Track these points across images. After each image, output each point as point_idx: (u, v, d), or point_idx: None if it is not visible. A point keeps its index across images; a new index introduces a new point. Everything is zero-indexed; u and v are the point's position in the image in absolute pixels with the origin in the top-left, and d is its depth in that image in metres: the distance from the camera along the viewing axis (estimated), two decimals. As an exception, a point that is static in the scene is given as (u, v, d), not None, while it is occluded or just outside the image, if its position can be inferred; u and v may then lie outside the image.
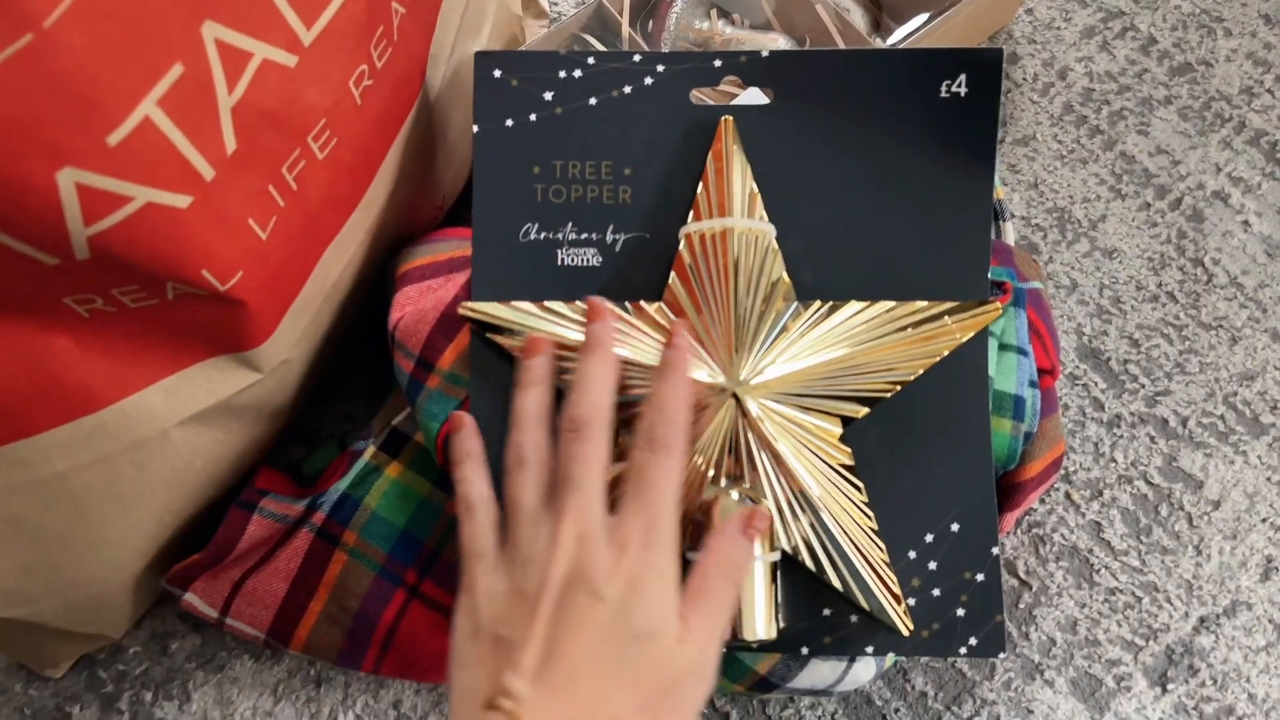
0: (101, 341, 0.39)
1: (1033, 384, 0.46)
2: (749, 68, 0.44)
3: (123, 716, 0.51)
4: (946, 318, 0.43)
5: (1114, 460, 0.55)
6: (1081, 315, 0.58)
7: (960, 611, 0.43)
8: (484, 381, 0.44)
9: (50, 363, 0.38)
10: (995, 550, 0.43)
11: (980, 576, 0.43)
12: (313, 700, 0.51)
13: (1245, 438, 0.55)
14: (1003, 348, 0.46)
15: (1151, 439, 0.55)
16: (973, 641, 0.43)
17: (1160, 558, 0.53)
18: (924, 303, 0.44)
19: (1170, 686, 0.51)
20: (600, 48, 0.57)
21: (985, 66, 0.43)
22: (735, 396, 0.42)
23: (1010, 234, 0.54)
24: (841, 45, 0.57)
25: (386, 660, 0.46)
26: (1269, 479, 0.54)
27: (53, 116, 0.30)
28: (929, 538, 0.43)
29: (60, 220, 0.32)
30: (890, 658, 0.48)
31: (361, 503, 0.46)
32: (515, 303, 0.44)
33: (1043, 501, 0.54)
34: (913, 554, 0.43)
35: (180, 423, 0.43)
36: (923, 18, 0.58)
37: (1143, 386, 0.56)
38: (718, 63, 0.44)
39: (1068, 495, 0.54)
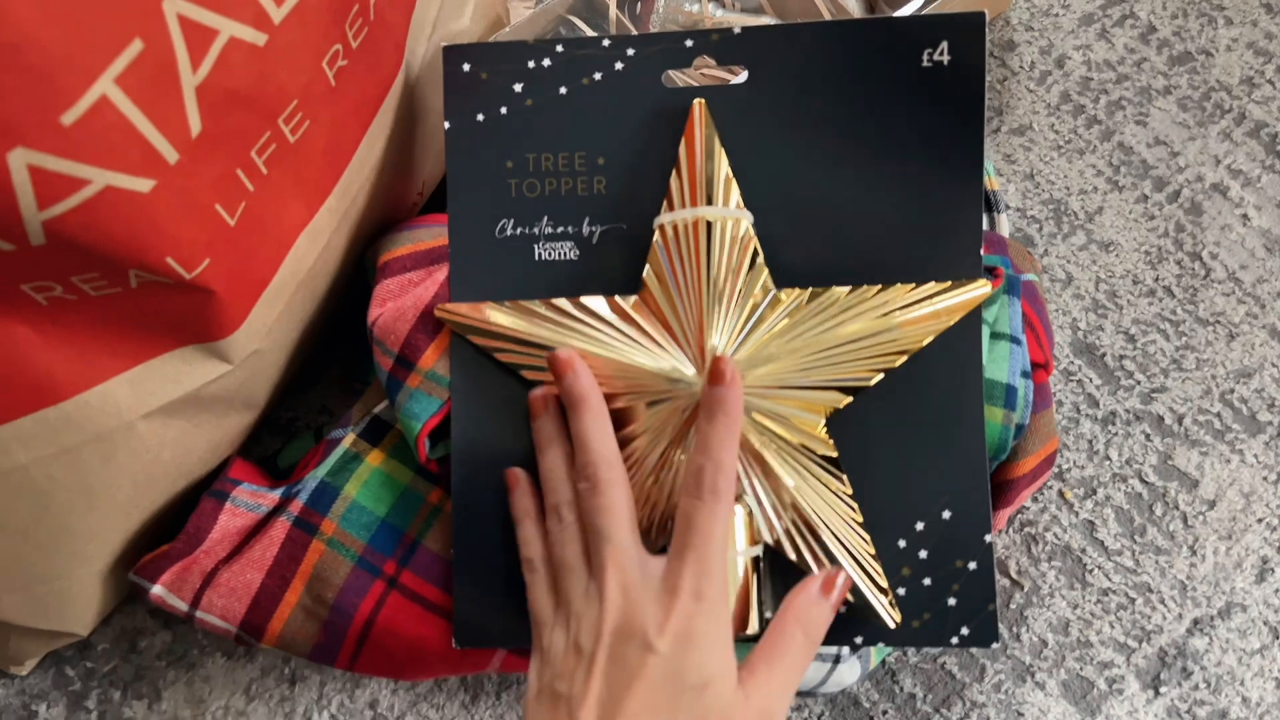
0: (63, 331, 0.37)
1: (1025, 374, 0.45)
2: (721, 46, 0.43)
3: (91, 715, 0.49)
4: (933, 300, 0.42)
5: (1108, 458, 0.54)
6: (1077, 309, 0.57)
7: (952, 601, 0.42)
8: (466, 382, 0.43)
9: (9, 352, 0.37)
10: (988, 538, 0.42)
11: (972, 565, 0.42)
12: (286, 699, 0.49)
13: (1242, 436, 0.54)
14: (995, 336, 0.45)
15: (1147, 436, 0.54)
16: (964, 631, 0.42)
17: (1154, 558, 0.52)
18: (908, 286, 0.42)
19: (1163, 689, 0.50)
20: (589, 31, 0.55)
21: (968, 31, 0.42)
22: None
23: (1005, 226, 0.53)
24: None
25: (362, 655, 0.45)
26: (1265, 478, 0.53)
27: (3, 93, 0.28)
28: (920, 526, 0.42)
29: (13, 204, 0.30)
30: (875, 658, 0.47)
31: (341, 491, 0.45)
32: (490, 306, 0.43)
33: (1035, 500, 0.53)
34: (903, 543, 0.42)
35: (147, 414, 0.41)
36: (918, 2, 0.56)
37: (1138, 383, 0.55)
38: (689, 42, 0.43)
39: (1061, 493, 0.53)
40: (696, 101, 0.43)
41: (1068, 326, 0.56)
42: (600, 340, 0.42)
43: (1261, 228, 0.58)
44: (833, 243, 0.43)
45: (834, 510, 0.41)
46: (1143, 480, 0.53)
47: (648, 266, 0.43)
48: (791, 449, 0.42)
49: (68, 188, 0.31)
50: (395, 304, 0.45)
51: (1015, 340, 0.46)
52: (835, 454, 0.42)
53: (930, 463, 0.42)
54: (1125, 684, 0.50)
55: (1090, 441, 0.54)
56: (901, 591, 0.42)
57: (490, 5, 0.54)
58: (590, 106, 0.43)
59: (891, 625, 0.41)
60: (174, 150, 0.34)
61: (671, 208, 0.43)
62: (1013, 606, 0.51)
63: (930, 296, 0.42)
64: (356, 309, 0.49)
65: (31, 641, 0.48)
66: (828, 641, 0.42)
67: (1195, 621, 0.51)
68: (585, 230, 0.44)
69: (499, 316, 0.43)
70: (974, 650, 0.50)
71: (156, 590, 0.45)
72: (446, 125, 0.44)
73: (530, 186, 0.44)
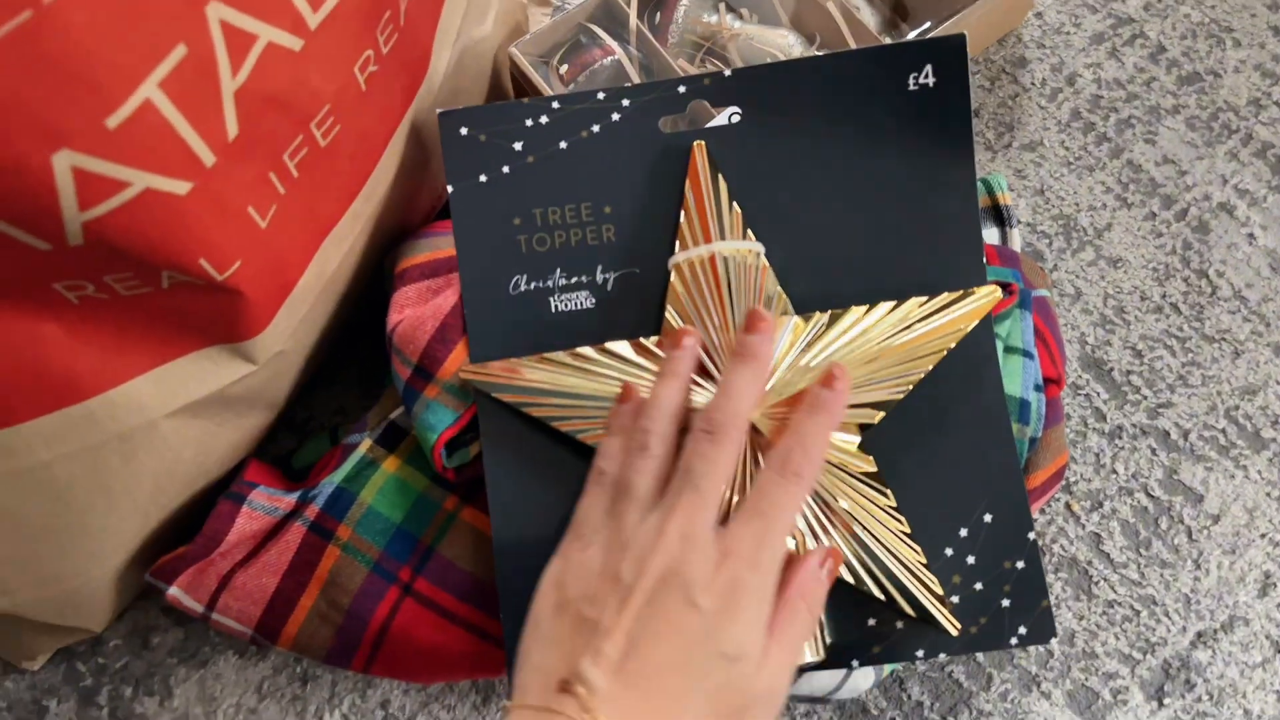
0: (91, 329, 0.37)
1: (1038, 388, 0.46)
2: (714, 89, 0.44)
3: (101, 711, 0.50)
4: (948, 310, 0.43)
5: (1115, 472, 0.54)
6: (1085, 324, 0.57)
7: (1005, 602, 0.42)
8: (498, 441, 0.43)
9: (37, 350, 0.37)
10: (1032, 535, 0.42)
11: (1020, 564, 0.42)
12: (298, 699, 0.50)
13: (1246, 452, 0.55)
14: (1008, 350, 0.46)
15: (1153, 451, 0.55)
16: (1022, 630, 0.42)
17: (1159, 571, 0.53)
18: (922, 299, 0.43)
19: (1166, 701, 0.50)
20: (608, 39, 0.56)
21: (949, 53, 0.43)
22: (750, 424, 0.42)
23: (1017, 240, 0.54)
24: (852, 43, 0.57)
25: (377, 660, 0.45)
26: (1269, 494, 0.54)
27: (50, 97, 0.29)
28: (963, 532, 0.42)
29: (54, 204, 0.31)
30: (888, 666, 0.47)
31: (357, 497, 0.45)
32: (515, 362, 0.43)
33: (1043, 512, 0.54)
34: (949, 551, 0.42)
35: (170, 414, 0.41)
36: (934, 18, 0.57)
37: (1145, 398, 0.56)
38: (682, 89, 0.44)
39: (1068, 506, 0.54)
40: (696, 144, 0.44)
41: (1076, 341, 0.57)
42: (624, 379, 0.42)
43: (1267, 247, 0.59)
44: (840, 268, 0.44)
45: (883, 525, 0.42)
46: (1148, 494, 0.54)
47: (669, 306, 0.43)
48: (833, 469, 0.42)
49: (109, 190, 0.31)
50: (414, 312, 0.45)
51: (1028, 354, 0.47)
52: (875, 469, 0.42)
53: (963, 468, 0.43)
54: (1129, 695, 0.50)
55: (1097, 455, 0.55)
56: (955, 599, 0.42)
57: (511, 12, 0.55)
58: (591, 158, 0.44)
59: (953, 633, 0.41)
60: (211, 153, 0.34)
61: (685, 247, 0.43)
62: (1019, 617, 0.52)
63: (944, 307, 0.43)
64: (374, 311, 0.49)
65: (45, 637, 0.48)
66: (891, 660, 0.42)
67: (1199, 634, 0.52)
68: (599, 278, 0.44)
69: (525, 371, 0.43)
70: (980, 659, 0.51)
71: (173, 592, 0.46)
72: (450, 189, 0.44)
73: (540, 241, 0.44)
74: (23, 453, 0.39)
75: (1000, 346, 0.46)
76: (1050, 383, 0.48)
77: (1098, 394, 0.56)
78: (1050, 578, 0.52)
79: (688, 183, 0.44)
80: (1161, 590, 0.52)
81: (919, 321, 0.43)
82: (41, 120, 0.29)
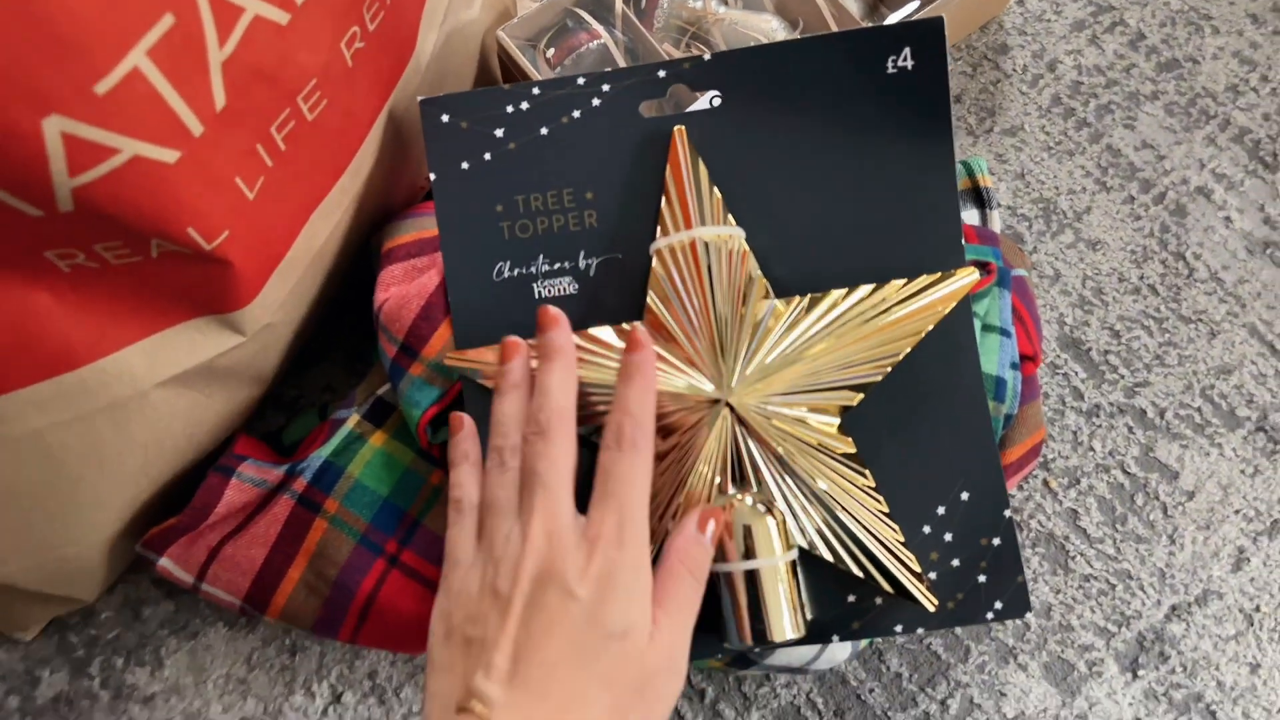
0: (82, 298, 0.38)
1: (1014, 366, 0.46)
2: (693, 73, 0.44)
3: (93, 681, 0.50)
4: (927, 292, 0.44)
5: (1092, 449, 0.55)
6: (1064, 305, 0.58)
7: (982, 578, 0.43)
8: (480, 424, 0.44)
9: (29, 318, 0.37)
10: (1007, 513, 0.43)
11: (996, 541, 0.43)
12: (287, 669, 0.50)
13: (1221, 430, 0.56)
14: (986, 328, 0.46)
15: (1129, 429, 0.56)
16: (998, 605, 0.43)
17: (1135, 546, 0.53)
18: (902, 281, 0.44)
19: (1141, 673, 0.51)
20: (594, 23, 0.57)
21: (927, 36, 0.44)
22: (729, 406, 0.42)
23: (997, 222, 0.55)
24: (834, 28, 0.57)
25: (364, 630, 0.46)
26: (1243, 471, 0.55)
27: (41, 62, 0.29)
28: (940, 510, 0.43)
29: (45, 170, 0.32)
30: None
31: (345, 470, 0.46)
32: (495, 347, 0.44)
33: (1021, 488, 0.54)
34: (927, 529, 0.43)
35: (160, 384, 0.42)
36: (915, 3, 0.58)
37: (1122, 377, 0.57)
38: (662, 73, 0.44)
39: (1045, 483, 0.55)
40: (676, 129, 0.44)
41: (1055, 321, 0.58)
42: (613, 369, 0.43)
43: (1243, 230, 0.60)
44: (821, 251, 0.44)
45: (861, 505, 0.43)
46: (1125, 471, 0.55)
47: (650, 292, 0.44)
48: (812, 450, 0.43)
49: (98, 155, 0.32)
50: (400, 290, 0.46)
51: (1005, 333, 0.48)
52: (854, 450, 0.43)
53: (940, 448, 0.44)
54: (1105, 667, 0.51)
55: (1075, 433, 0.56)
56: (933, 575, 0.43)
57: (499, -4, 0.56)
58: (573, 143, 0.45)
59: (931, 609, 0.42)
60: (199, 123, 0.35)
61: (666, 233, 0.44)
62: (997, 591, 0.52)
63: (924, 289, 0.44)
64: (360, 290, 0.50)
65: (37, 607, 0.49)
66: (871, 635, 0.43)
67: (1173, 608, 0.52)
68: (582, 264, 0.45)
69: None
70: (958, 631, 0.52)
71: (163, 562, 0.46)
72: (432, 177, 0.45)
73: (522, 227, 0.45)
74: (15, 420, 0.39)
75: (978, 325, 0.47)
76: (1027, 360, 0.49)
77: (1076, 373, 0.57)
78: (1028, 552, 0.53)
79: (668, 168, 0.44)
80: (1137, 565, 0.53)
81: (898, 304, 0.44)
82: (32, 85, 0.30)
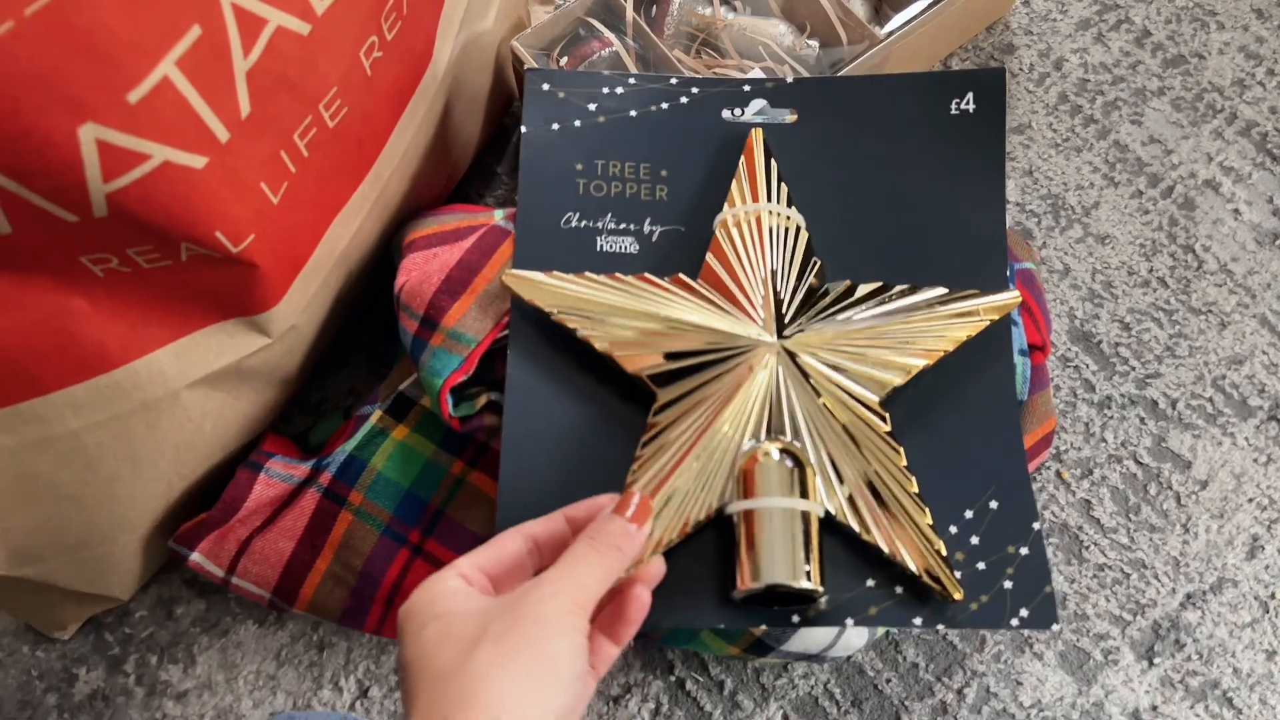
0: (116, 301, 0.40)
1: (1022, 352, 0.47)
2: (775, 92, 0.49)
3: (128, 679, 0.52)
4: (973, 301, 0.45)
5: (1104, 440, 0.56)
6: (1074, 299, 0.59)
7: (1008, 584, 0.43)
8: (522, 346, 0.45)
9: (66, 322, 0.39)
10: (1037, 525, 0.43)
11: (1025, 550, 0.43)
12: (315, 664, 0.52)
13: (1233, 420, 0.56)
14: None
15: (1141, 420, 0.56)
16: (1024, 613, 0.42)
17: (1148, 535, 0.54)
18: (949, 290, 0.46)
19: (1157, 660, 0.52)
20: (606, 31, 0.58)
21: (990, 84, 0.48)
22: (785, 351, 0.44)
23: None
24: (841, 32, 0.59)
25: (389, 620, 0.47)
26: (1255, 460, 0.55)
27: (76, 72, 0.31)
28: (969, 514, 0.43)
29: (80, 176, 0.33)
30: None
31: (368, 464, 0.47)
32: (555, 272, 0.45)
33: (1034, 479, 0.55)
34: (954, 529, 0.43)
35: (190, 385, 0.44)
36: (921, 5, 0.59)
37: (1133, 369, 0.57)
38: (747, 87, 0.49)
39: (1058, 474, 0.55)
40: (755, 129, 0.48)
41: (1065, 315, 0.59)
42: (664, 301, 0.45)
43: (1252, 222, 0.60)
44: (874, 263, 0.47)
45: (895, 480, 0.43)
46: (1137, 461, 0.55)
47: (710, 254, 0.46)
48: (856, 420, 0.43)
49: (130, 162, 0.34)
50: (421, 270, 0.47)
51: (1012, 320, 0.49)
52: (890, 429, 0.43)
53: (974, 456, 0.44)
54: (1120, 655, 0.52)
55: (1087, 424, 0.56)
56: (958, 575, 0.42)
57: (513, 7, 0.57)
58: (657, 128, 0.48)
59: (955, 598, 0.41)
60: (225, 129, 0.36)
61: (733, 206, 0.47)
62: (1012, 581, 0.53)
63: (968, 297, 0.46)
64: (382, 295, 0.51)
65: (75, 605, 0.50)
66: (887, 624, 0.42)
67: (1188, 596, 0.53)
68: (646, 229, 0.47)
69: (563, 282, 0.45)
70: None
71: (195, 557, 0.48)
72: (523, 130, 0.48)
73: (597, 187, 0.48)
74: (53, 421, 0.41)
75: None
76: (1035, 349, 0.50)
77: (1086, 365, 0.57)
78: (1041, 543, 0.54)
79: (742, 157, 0.48)
80: (1151, 554, 0.54)
81: (943, 304, 0.45)
82: (68, 94, 0.31)
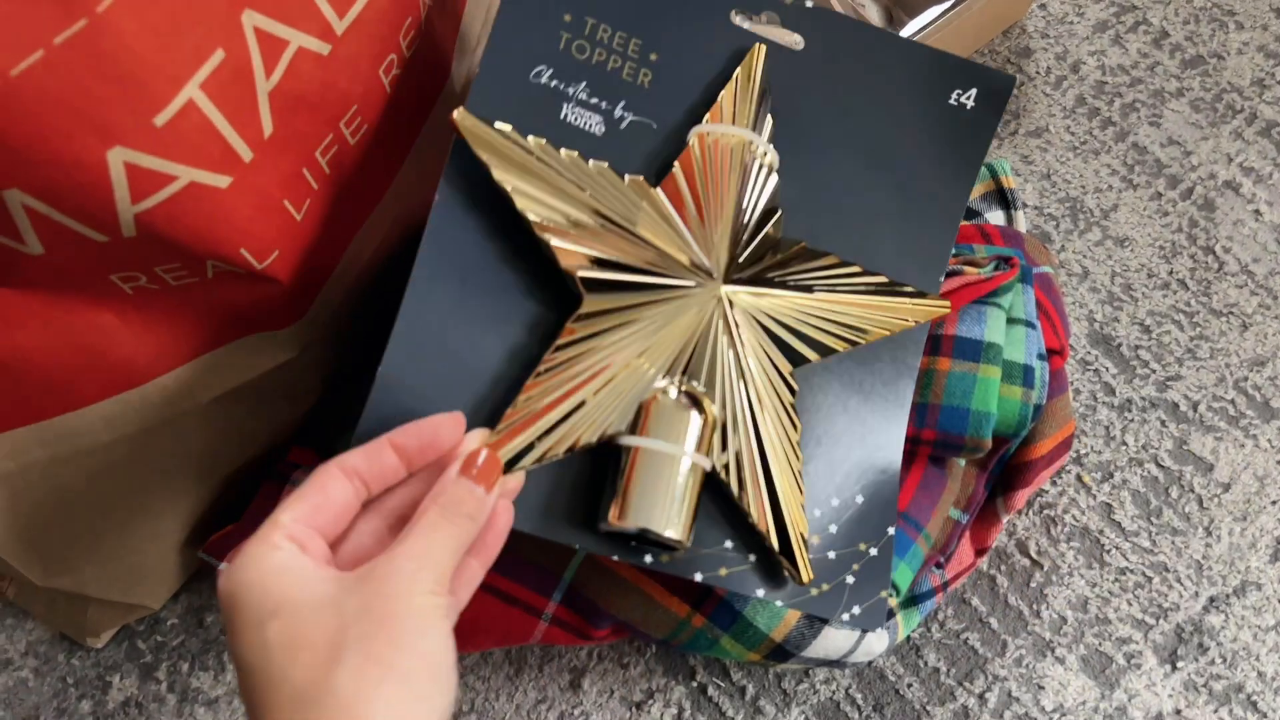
0: (145, 318, 0.41)
1: (1041, 356, 0.47)
2: (791, 10, 0.45)
3: (160, 686, 0.53)
4: (906, 299, 0.44)
5: (1125, 443, 0.56)
6: (1093, 302, 0.59)
7: (850, 579, 0.43)
8: (449, 208, 0.42)
9: (97, 338, 0.40)
10: (891, 530, 0.43)
11: (874, 551, 0.43)
12: (342, 671, 0.53)
13: (1256, 422, 0.56)
14: (1011, 321, 0.47)
15: (1162, 423, 0.56)
16: (855, 610, 0.42)
17: (1170, 538, 0.54)
18: (886, 277, 0.44)
19: (1180, 664, 0.51)
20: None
21: (996, 87, 0.45)
22: (725, 297, 0.42)
23: (1022, 222, 0.56)
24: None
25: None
26: (1278, 462, 0.55)
27: (104, 97, 0.32)
28: (835, 502, 0.43)
29: (109, 198, 0.34)
30: (903, 631, 0.49)
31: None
32: (511, 129, 0.42)
33: (1054, 483, 0.55)
34: (818, 512, 0.43)
35: (217, 398, 0.45)
36: (937, 10, 0.59)
37: (1154, 372, 0.57)
38: None
39: (1079, 477, 0.55)
40: (758, 45, 0.44)
41: (1085, 318, 0.59)
42: (619, 202, 0.42)
43: (1273, 222, 0.60)
44: (830, 219, 0.45)
45: (786, 453, 0.42)
46: (1159, 464, 0.55)
47: (677, 164, 0.43)
48: (768, 385, 0.42)
49: (157, 183, 0.35)
50: None
51: (1030, 324, 0.49)
52: (794, 401, 0.43)
53: (856, 446, 0.44)
54: (1143, 659, 0.52)
55: (1107, 428, 0.56)
56: (809, 556, 0.42)
57: (530, 20, 0.58)
58: (659, 10, 0.44)
59: (803, 581, 0.41)
60: (249, 150, 0.37)
61: (715, 120, 0.44)
62: (1033, 585, 0.53)
63: (905, 295, 0.44)
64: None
65: (108, 614, 0.51)
66: (731, 588, 0.41)
67: (1211, 599, 0.53)
68: (618, 114, 0.44)
69: (528, 145, 0.42)
70: (995, 626, 0.52)
71: (224, 568, 0.49)
72: None
73: (580, 48, 0.44)
74: (86, 434, 0.42)
75: (1003, 318, 0.48)
76: (1053, 354, 0.50)
77: (1106, 369, 0.57)
78: (1062, 547, 0.54)
79: (739, 70, 0.44)
80: (1173, 557, 0.53)
81: (877, 294, 0.44)
82: (97, 119, 0.32)
